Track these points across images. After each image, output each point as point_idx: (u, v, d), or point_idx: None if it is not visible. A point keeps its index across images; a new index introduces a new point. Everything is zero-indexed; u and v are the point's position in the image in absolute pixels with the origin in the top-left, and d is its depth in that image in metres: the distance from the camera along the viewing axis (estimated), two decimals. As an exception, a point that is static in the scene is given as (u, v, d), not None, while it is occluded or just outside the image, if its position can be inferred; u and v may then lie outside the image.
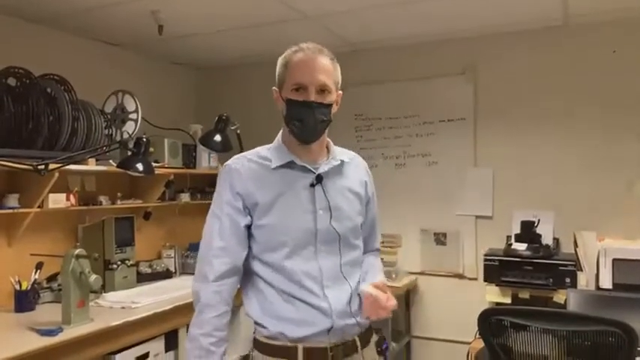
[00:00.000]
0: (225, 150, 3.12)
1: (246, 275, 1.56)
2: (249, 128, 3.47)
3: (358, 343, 1.54)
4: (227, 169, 1.56)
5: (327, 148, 1.61)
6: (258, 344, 1.55)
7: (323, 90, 1.48)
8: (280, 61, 1.54)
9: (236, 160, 1.57)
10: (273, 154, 1.55)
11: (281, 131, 1.59)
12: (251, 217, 1.52)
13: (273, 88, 1.56)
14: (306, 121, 1.48)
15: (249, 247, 1.54)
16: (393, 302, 1.50)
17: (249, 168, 1.54)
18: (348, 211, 1.57)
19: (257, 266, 1.53)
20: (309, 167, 1.53)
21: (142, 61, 3.57)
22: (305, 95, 1.47)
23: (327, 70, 1.49)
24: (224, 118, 3.05)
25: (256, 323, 1.54)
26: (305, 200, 1.51)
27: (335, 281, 1.51)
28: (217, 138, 3.03)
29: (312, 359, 1.49)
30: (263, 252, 1.52)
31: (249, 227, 1.53)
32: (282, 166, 1.53)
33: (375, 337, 1.65)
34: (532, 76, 3.18)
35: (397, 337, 3.30)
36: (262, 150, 1.59)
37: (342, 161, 1.59)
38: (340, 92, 1.56)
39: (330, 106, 1.51)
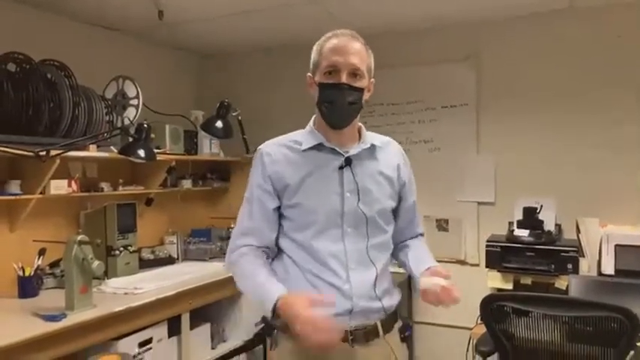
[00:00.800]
0: (227, 136, 3.11)
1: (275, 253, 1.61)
2: (251, 114, 3.46)
3: (380, 329, 1.55)
4: (259, 154, 1.61)
5: (360, 133, 1.62)
6: (282, 323, 1.56)
7: (355, 74, 1.50)
8: (315, 47, 1.56)
9: (267, 145, 1.62)
10: (304, 138, 1.59)
11: (314, 117, 1.62)
12: (280, 199, 1.56)
13: (308, 74, 1.58)
14: (336, 103, 1.51)
15: (281, 225, 1.58)
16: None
17: (279, 152, 1.58)
18: (378, 195, 1.58)
19: (285, 244, 1.58)
20: (339, 150, 1.56)
21: (143, 47, 3.55)
22: (337, 78, 1.49)
23: (360, 54, 1.51)
24: (225, 104, 3.04)
25: None
26: (333, 182, 1.54)
27: (360, 264, 1.53)
28: (219, 124, 3.02)
29: None
30: (292, 230, 1.56)
31: (279, 209, 1.57)
32: (311, 149, 1.57)
33: (399, 324, 1.66)
34: (536, 62, 3.15)
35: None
36: (294, 134, 1.63)
37: (373, 145, 1.61)
38: (373, 80, 1.57)
39: (361, 90, 1.52)
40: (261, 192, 1.57)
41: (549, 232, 2.94)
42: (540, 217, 2.97)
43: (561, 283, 2.77)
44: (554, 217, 3.02)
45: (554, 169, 3.10)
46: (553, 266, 2.79)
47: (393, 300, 1.62)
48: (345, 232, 1.53)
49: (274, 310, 1.43)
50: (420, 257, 1.66)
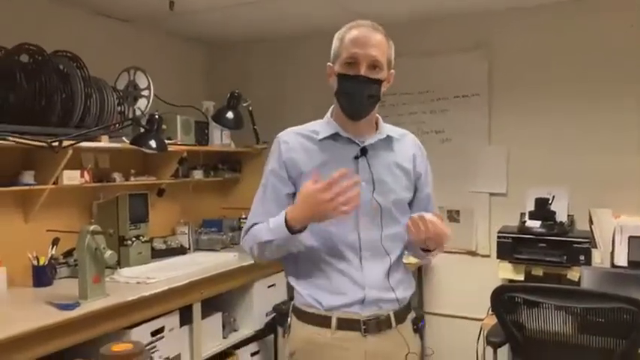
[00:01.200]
0: (238, 127, 3.11)
1: None
2: (261, 105, 3.46)
3: (393, 319, 1.56)
4: (276, 141, 1.63)
5: (377, 124, 1.63)
6: (295, 310, 1.61)
7: (375, 66, 1.50)
8: (336, 37, 1.56)
9: (285, 133, 1.64)
10: (322, 127, 1.60)
11: (332, 106, 1.62)
12: (295, 186, 1.57)
13: (328, 64, 1.58)
14: (354, 96, 1.51)
15: None
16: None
17: (296, 140, 1.60)
18: (393, 185, 1.59)
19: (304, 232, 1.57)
20: (354, 140, 1.57)
21: (154, 38, 3.55)
22: (356, 69, 1.49)
23: (381, 46, 1.51)
24: (236, 94, 3.04)
25: (294, 290, 1.60)
26: (348, 172, 1.52)
27: (374, 253, 1.55)
28: (229, 115, 3.03)
29: (344, 330, 1.52)
30: None
31: (294, 195, 1.57)
32: (327, 138, 1.58)
33: (412, 315, 1.66)
34: (548, 51, 3.11)
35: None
36: (313, 124, 1.64)
37: (389, 136, 1.61)
38: (392, 72, 1.57)
39: (380, 82, 1.52)
40: (276, 178, 1.59)
41: (561, 223, 2.91)
42: (552, 208, 2.94)
43: (573, 274, 2.76)
44: (566, 208, 3.00)
45: (566, 159, 3.07)
46: (565, 257, 2.77)
47: (407, 291, 1.62)
48: (359, 222, 1.54)
49: (286, 220, 1.43)
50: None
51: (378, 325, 1.54)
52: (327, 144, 1.58)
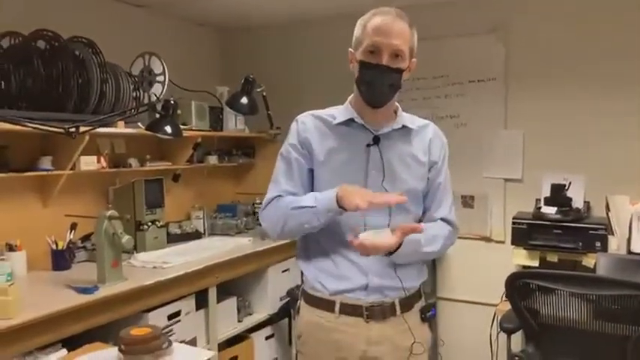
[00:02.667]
0: (252, 112, 3.10)
1: None
2: (275, 90, 3.45)
3: (397, 307, 1.57)
4: (294, 122, 1.65)
5: (396, 113, 1.62)
6: (304, 294, 1.65)
7: (397, 55, 1.49)
8: (359, 23, 1.55)
9: (304, 114, 1.66)
10: (339, 112, 1.61)
11: (352, 94, 1.63)
12: (311, 168, 1.60)
13: (349, 49, 1.57)
14: (374, 84, 1.51)
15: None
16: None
17: (312, 122, 1.62)
18: (404, 175, 1.58)
19: None
20: (369, 128, 1.57)
21: (168, 23, 3.55)
22: (378, 58, 1.48)
23: (404, 35, 1.50)
24: (250, 79, 3.03)
25: (303, 274, 1.63)
26: (359, 159, 1.56)
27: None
28: (244, 100, 3.01)
29: (347, 314, 1.54)
30: None
31: (312, 172, 1.60)
32: (342, 124, 1.59)
33: (421, 303, 1.66)
34: (566, 33, 3.05)
35: (425, 298, 3.33)
36: (332, 108, 1.65)
37: (405, 127, 1.60)
38: (414, 60, 1.56)
39: (401, 71, 1.51)
40: (297, 153, 1.61)
41: (577, 209, 2.89)
42: (569, 194, 2.92)
43: (589, 261, 2.74)
44: (582, 194, 2.97)
45: (583, 145, 3.04)
46: (580, 244, 2.75)
47: (415, 280, 1.62)
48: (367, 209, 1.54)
49: (337, 200, 1.46)
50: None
51: (382, 311, 1.55)
52: (341, 129, 1.59)
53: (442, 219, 1.67)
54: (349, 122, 1.58)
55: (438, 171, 1.66)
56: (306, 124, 1.62)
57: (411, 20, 1.53)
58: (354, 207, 1.41)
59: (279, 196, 1.59)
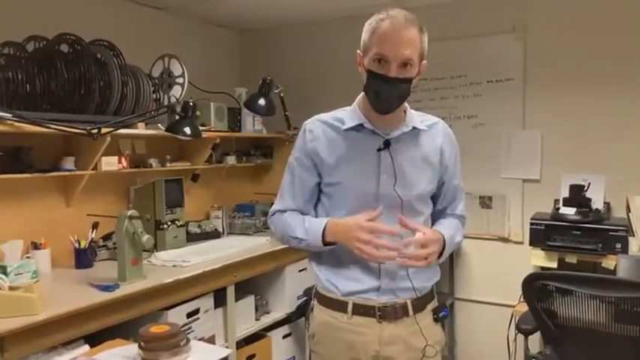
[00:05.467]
0: (269, 114, 3.14)
1: None
2: (293, 91, 3.48)
3: (410, 308, 1.57)
4: (302, 130, 1.65)
5: (405, 113, 1.61)
6: (317, 294, 1.66)
7: (405, 64, 1.45)
8: (366, 27, 1.50)
9: (311, 121, 1.64)
10: (347, 117, 1.59)
11: (360, 95, 1.61)
12: (320, 175, 1.61)
13: (358, 51, 1.54)
14: (382, 95, 1.48)
15: (320, 201, 1.65)
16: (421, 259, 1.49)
17: (320, 129, 1.60)
18: (416, 178, 1.58)
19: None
20: (378, 132, 1.55)
21: (187, 25, 3.60)
22: (386, 69, 1.45)
23: (413, 42, 1.45)
24: (268, 81, 3.06)
25: (316, 275, 1.65)
26: (370, 164, 1.55)
27: (393, 244, 1.53)
28: (261, 101, 3.05)
29: (359, 315, 1.55)
30: (328, 208, 1.61)
31: (319, 184, 1.62)
32: (351, 129, 1.57)
33: (433, 304, 1.67)
34: (587, 31, 3.01)
35: (440, 298, 3.31)
36: (338, 112, 1.63)
37: (416, 128, 1.59)
38: (425, 62, 1.52)
39: (410, 80, 1.48)
40: (302, 169, 1.61)
41: (597, 210, 2.86)
42: (588, 194, 2.89)
43: (609, 262, 2.71)
44: (602, 195, 2.93)
45: (603, 145, 3.00)
46: (600, 245, 2.72)
47: (427, 281, 1.63)
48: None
49: (324, 232, 1.52)
50: (436, 226, 1.66)
51: (394, 312, 1.56)
52: (351, 135, 1.57)
53: (459, 215, 1.73)
54: (359, 127, 1.56)
55: (452, 173, 1.67)
56: (313, 132, 1.60)
57: (421, 23, 1.48)
58: (357, 250, 1.48)
59: (283, 211, 1.65)
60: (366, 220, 1.47)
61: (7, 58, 2.39)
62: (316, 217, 1.64)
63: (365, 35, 1.50)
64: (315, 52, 3.78)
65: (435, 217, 1.70)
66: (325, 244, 1.54)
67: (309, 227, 1.56)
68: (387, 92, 1.47)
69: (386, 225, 1.51)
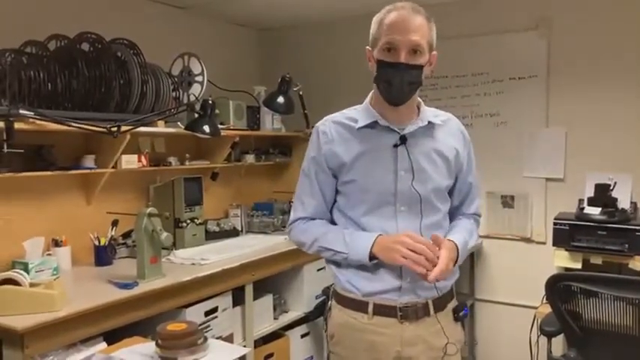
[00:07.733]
0: (288, 112, 3.13)
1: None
2: (312, 89, 3.46)
3: (431, 307, 1.55)
4: (315, 131, 1.63)
5: (418, 108, 1.59)
6: (335, 295, 1.64)
7: (415, 51, 1.45)
8: (374, 20, 1.52)
9: (323, 123, 1.63)
10: (360, 115, 1.58)
11: (371, 92, 1.60)
12: (336, 177, 1.59)
13: (367, 47, 1.54)
14: (394, 83, 1.47)
15: (336, 201, 1.62)
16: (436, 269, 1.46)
17: (334, 130, 1.59)
18: (433, 173, 1.56)
19: (340, 219, 1.61)
20: (394, 128, 1.54)
21: (207, 24, 3.61)
22: (395, 56, 1.45)
23: (422, 29, 1.45)
24: (287, 79, 3.06)
25: (334, 275, 1.63)
26: (387, 160, 1.53)
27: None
28: (280, 100, 3.05)
29: (380, 315, 1.53)
30: (345, 207, 1.59)
31: (335, 185, 1.60)
32: (366, 127, 1.55)
33: (453, 303, 1.65)
34: (611, 30, 2.95)
35: (460, 299, 3.28)
36: (350, 111, 1.62)
37: (431, 123, 1.57)
38: (435, 53, 1.52)
39: (421, 67, 1.47)
40: (318, 169, 1.60)
41: (624, 210, 2.79)
42: (614, 194, 2.82)
43: (635, 263, 2.64)
44: (629, 195, 2.86)
45: (629, 144, 2.93)
46: (627, 246, 2.66)
47: (447, 280, 1.60)
48: (398, 211, 1.53)
49: (372, 246, 1.50)
50: (452, 229, 1.63)
51: (415, 312, 1.54)
52: (365, 133, 1.55)
53: (475, 214, 1.71)
54: (373, 124, 1.55)
55: (467, 171, 1.65)
56: (327, 134, 1.58)
57: (428, 14, 1.49)
58: (394, 262, 1.47)
59: (305, 218, 1.63)
60: (411, 238, 1.47)
61: (29, 57, 2.42)
62: (332, 218, 1.64)
63: (373, 27, 1.51)
64: (334, 50, 3.76)
65: (451, 215, 1.68)
66: (371, 259, 1.51)
67: (350, 241, 1.54)
68: (398, 80, 1.46)
69: (406, 221, 1.52)
